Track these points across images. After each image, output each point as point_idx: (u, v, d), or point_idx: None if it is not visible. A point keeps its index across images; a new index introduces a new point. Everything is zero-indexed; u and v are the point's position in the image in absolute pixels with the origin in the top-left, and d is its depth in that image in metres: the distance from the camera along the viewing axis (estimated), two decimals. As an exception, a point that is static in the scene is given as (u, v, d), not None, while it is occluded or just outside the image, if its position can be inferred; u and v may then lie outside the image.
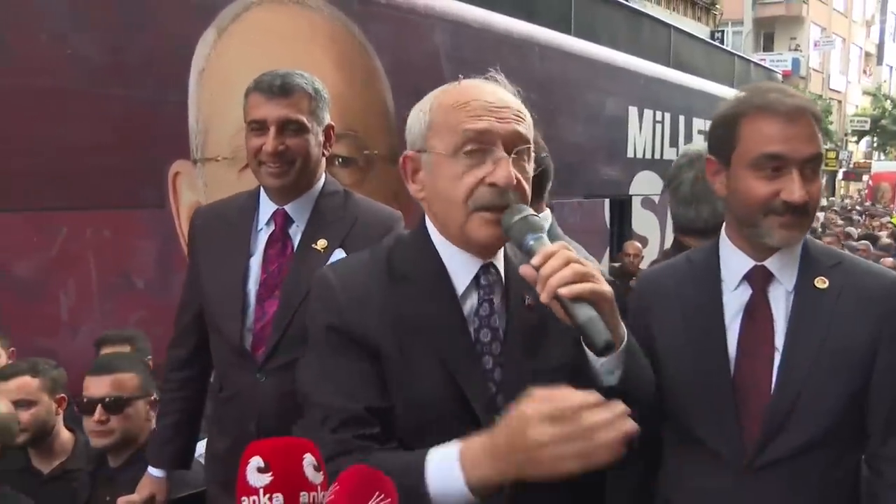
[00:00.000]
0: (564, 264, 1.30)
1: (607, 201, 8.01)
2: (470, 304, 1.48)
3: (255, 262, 2.27)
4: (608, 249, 7.81)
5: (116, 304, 3.81)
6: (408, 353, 1.43)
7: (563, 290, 1.29)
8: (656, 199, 9.08)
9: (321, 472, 1.26)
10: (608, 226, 8.08)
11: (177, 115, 3.99)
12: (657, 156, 9.19)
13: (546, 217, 2.32)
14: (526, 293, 1.46)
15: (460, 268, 1.49)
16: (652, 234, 8.97)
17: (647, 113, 8.94)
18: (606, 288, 1.33)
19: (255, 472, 1.25)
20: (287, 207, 2.29)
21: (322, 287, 1.48)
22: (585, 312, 1.30)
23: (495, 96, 1.46)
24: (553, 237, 1.57)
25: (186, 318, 2.52)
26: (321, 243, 2.26)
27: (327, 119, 2.30)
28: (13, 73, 3.46)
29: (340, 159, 4.53)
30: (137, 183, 3.84)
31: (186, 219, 3.90)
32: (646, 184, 8.89)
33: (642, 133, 8.85)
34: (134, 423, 2.66)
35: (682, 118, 9.88)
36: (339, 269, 1.54)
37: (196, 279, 2.36)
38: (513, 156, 1.41)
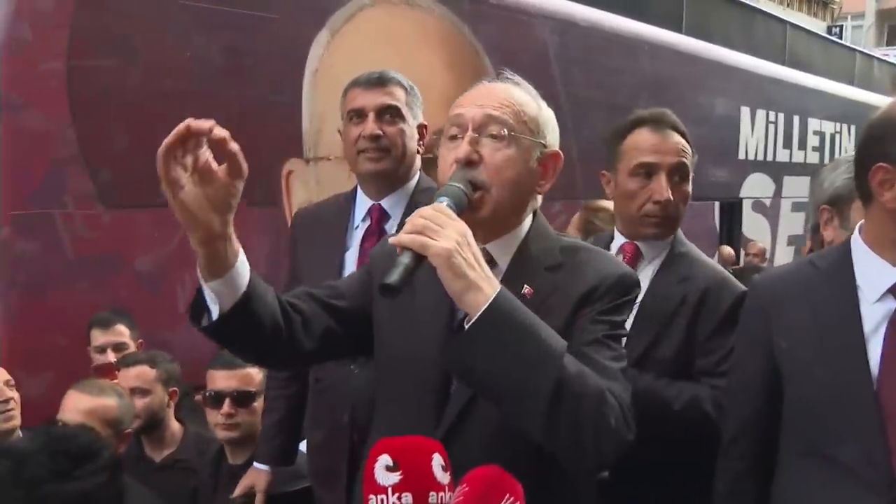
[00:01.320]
0: (416, 217, 1.40)
1: (717, 204, 7.81)
2: None
3: (351, 257, 2.32)
4: (716, 254, 7.61)
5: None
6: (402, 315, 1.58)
7: (392, 239, 1.42)
8: (768, 202, 8.81)
9: (448, 473, 1.27)
10: (717, 229, 7.88)
11: (290, 115, 4.09)
12: (769, 157, 8.91)
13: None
14: (526, 283, 1.54)
15: None
16: (763, 238, 8.69)
17: (760, 113, 8.67)
18: (435, 244, 1.36)
19: (383, 471, 1.25)
20: (383, 202, 2.33)
21: None
22: (401, 259, 1.38)
23: (486, 90, 1.59)
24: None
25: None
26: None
27: (420, 117, 2.35)
28: (140, 76, 3.61)
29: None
30: (252, 181, 3.91)
31: (299, 216, 4.00)
32: (757, 186, 8.63)
33: (754, 134, 8.59)
34: (257, 417, 2.74)
35: (796, 118, 9.54)
36: None
37: (296, 277, 2.42)
38: (484, 138, 1.52)
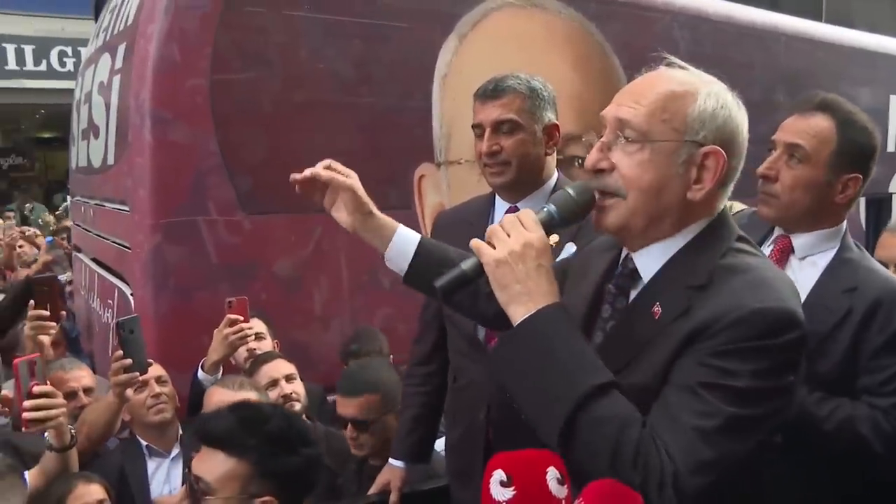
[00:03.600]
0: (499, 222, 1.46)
1: (863, 199, 7.41)
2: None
3: None
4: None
5: (364, 301, 4.02)
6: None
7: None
8: (920, 196, 8.29)
9: (565, 486, 1.24)
10: (863, 226, 7.48)
11: (421, 121, 4.16)
12: (922, 149, 8.38)
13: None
14: (660, 300, 1.40)
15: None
16: (916, 235, 8.17)
17: (911, 102, 8.16)
18: (488, 252, 1.41)
19: (497, 486, 1.23)
20: (519, 205, 2.34)
21: None
22: (464, 263, 1.48)
23: (636, 84, 1.50)
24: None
25: (428, 315, 2.64)
26: (553, 238, 2.30)
27: (550, 118, 2.32)
28: (277, 88, 3.75)
29: (580, 160, 4.52)
30: (385, 186, 4.03)
31: (431, 219, 4.06)
32: (909, 181, 8.13)
33: (905, 124, 8.09)
34: (382, 434, 2.82)
35: (953, 106, 8.92)
36: None
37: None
38: (618, 141, 1.43)
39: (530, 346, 1.35)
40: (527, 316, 1.36)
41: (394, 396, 2.84)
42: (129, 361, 2.63)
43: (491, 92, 2.30)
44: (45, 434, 2.45)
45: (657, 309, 1.39)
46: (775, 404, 1.33)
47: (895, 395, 1.93)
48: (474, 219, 2.46)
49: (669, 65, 1.51)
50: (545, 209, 1.49)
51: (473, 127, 2.36)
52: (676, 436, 1.27)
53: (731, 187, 1.48)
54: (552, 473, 1.24)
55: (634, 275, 1.49)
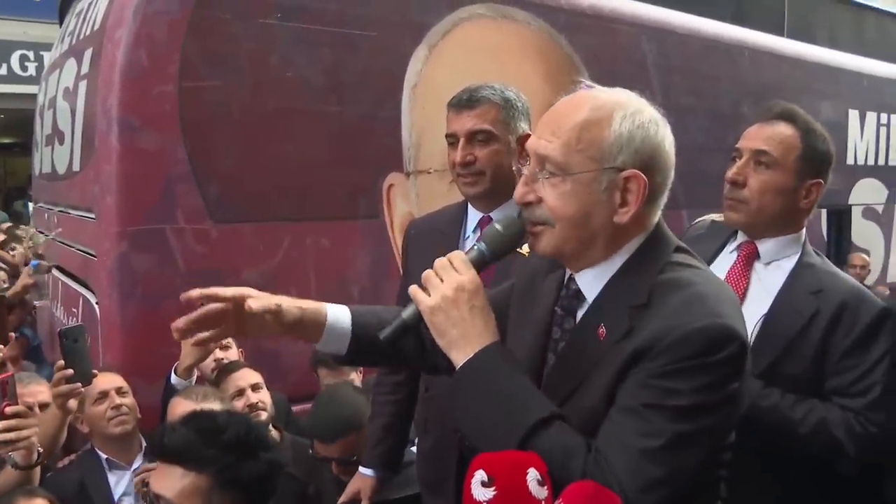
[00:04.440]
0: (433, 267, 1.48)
1: (824, 211, 7.54)
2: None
3: None
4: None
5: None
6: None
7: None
8: (880, 208, 8.44)
9: (545, 487, 1.25)
10: (825, 237, 7.61)
11: (391, 130, 4.16)
12: (881, 162, 8.53)
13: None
14: (604, 321, 1.42)
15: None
16: (874, 246, 8.32)
17: (871, 116, 8.31)
18: (424, 300, 1.45)
19: (479, 487, 1.24)
20: (492, 214, 2.35)
21: None
22: (404, 311, 1.51)
23: (551, 114, 1.49)
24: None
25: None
26: (525, 248, 2.31)
27: (524, 128, 2.34)
28: (246, 96, 3.74)
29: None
30: (354, 195, 4.03)
31: (400, 229, 4.06)
32: (868, 192, 8.27)
33: (864, 138, 8.24)
34: (360, 448, 2.81)
35: (912, 120, 9.11)
36: None
37: (409, 286, 2.47)
38: (541, 174, 1.44)
39: (472, 389, 1.40)
40: (464, 361, 1.40)
41: (362, 417, 2.84)
42: (70, 372, 2.52)
43: (466, 102, 2.30)
44: (11, 452, 2.40)
45: (602, 330, 1.41)
46: (721, 414, 1.35)
47: (864, 395, 1.98)
48: (447, 228, 2.46)
49: (580, 89, 1.51)
50: (475, 248, 1.52)
51: (447, 136, 2.36)
52: (623, 458, 1.29)
53: (663, 200, 1.49)
54: (532, 474, 1.25)
55: (579, 295, 1.50)
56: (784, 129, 2.14)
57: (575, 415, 1.39)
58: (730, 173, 2.14)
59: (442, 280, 1.43)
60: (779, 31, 7.45)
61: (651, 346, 1.33)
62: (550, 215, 1.42)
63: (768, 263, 2.17)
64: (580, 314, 1.50)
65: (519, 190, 1.47)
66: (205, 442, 1.79)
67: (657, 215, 1.49)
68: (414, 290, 1.46)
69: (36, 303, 5.54)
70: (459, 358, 1.41)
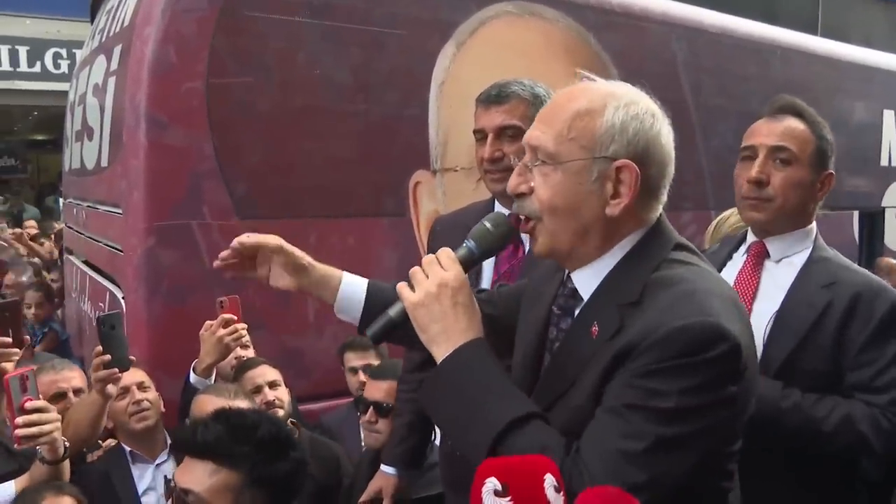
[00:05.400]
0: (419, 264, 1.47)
1: (856, 214, 7.43)
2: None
3: (488, 265, 2.33)
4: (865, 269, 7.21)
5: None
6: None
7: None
8: (914, 211, 8.31)
9: (562, 494, 1.18)
10: (857, 240, 7.50)
11: (418, 128, 4.15)
12: (916, 163, 8.40)
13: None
14: (597, 319, 1.39)
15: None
16: (909, 249, 8.21)
17: (905, 116, 8.20)
18: (408, 296, 1.45)
19: (491, 496, 1.18)
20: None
21: None
22: (391, 308, 1.51)
23: (548, 106, 1.51)
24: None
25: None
26: None
27: None
28: (274, 94, 3.74)
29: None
30: (381, 192, 4.02)
31: (425, 227, 4.04)
32: (902, 194, 8.15)
33: (899, 139, 8.12)
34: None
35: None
36: None
37: None
38: (534, 165, 1.44)
39: (449, 385, 1.38)
40: (445, 356, 1.39)
41: None
42: (108, 357, 2.58)
43: (494, 97, 2.29)
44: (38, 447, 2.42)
45: (595, 328, 1.39)
46: (713, 418, 1.30)
47: (889, 391, 1.95)
48: (472, 224, 2.44)
49: (579, 81, 1.51)
50: (465, 245, 1.52)
51: (475, 132, 2.35)
52: (601, 459, 1.26)
53: (662, 196, 1.46)
54: (549, 481, 1.18)
55: (575, 294, 1.49)
56: (796, 124, 2.13)
57: (566, 414, 1.38)
58: (753, 173, 2.12)
59: (427, 276, 1.43)
60: (812, 29, 7.36)
61: (636, 344, 1.30)
62: (538, 207, 1.41)
63: (779, 261, 2.15)
64: (576, 313, 1.49)
65: (512, 181, 1.46)
66: (238, 439, 1.79)
67: (656, 211, 1.46)
68: (401, 286, 1.46)
69: (23, 279, 5.63)
70: (440, 353, 1.40)
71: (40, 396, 2.41)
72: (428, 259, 1.46)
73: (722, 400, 1.30)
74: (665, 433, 1.26)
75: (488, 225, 1.52)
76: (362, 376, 3.51)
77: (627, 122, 1.39)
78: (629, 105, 1.41)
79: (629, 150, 1.38)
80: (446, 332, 1.40)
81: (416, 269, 1.46)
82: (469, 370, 1.37)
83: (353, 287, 1.73)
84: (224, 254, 1.71)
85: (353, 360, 3.63)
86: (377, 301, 1.69)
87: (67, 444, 2.46)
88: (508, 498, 1.17)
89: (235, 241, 1.71)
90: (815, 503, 2.01)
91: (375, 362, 3.57)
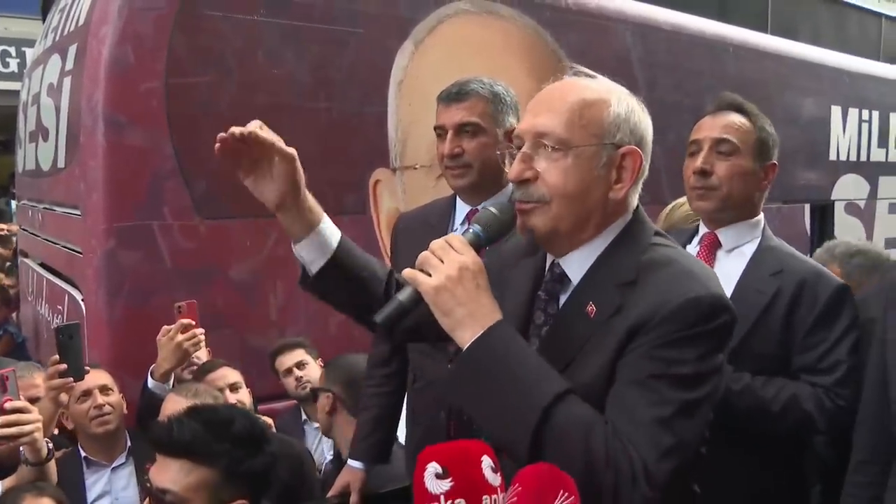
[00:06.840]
0: (428, 249, 1.45)
1: (807, 206, 7.60)
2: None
3: None
4: (809, 257, 7.36)
5: (320, 306, 3.99)
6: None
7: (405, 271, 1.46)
8: (862, 204, 8.51)
9: (498, 474, 1.26)
10: (808, 232, 7.67)
11: (377, 126, 4.17)
12: (863, 158, 8.61)
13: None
14: (592, 300, 1.46)
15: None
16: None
17: (852, 112, 8.38)
18: (425, 281, 1.41)
19: (433, 479, 1.24)
20: (480, 207, 2.37)
21: None
22: (400, 294, 1.46)
23: (546, 94, 1.54)
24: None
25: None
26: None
27: (511, 122, 2.36)
28: (234, 92, 3.73)
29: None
30: (341, 190, 4.03)
31: (386, 224, 4.07)
32: (850, 188, 8.34)
33: (846, 134, 8.30)
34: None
35: (893, 116, 9.19)
36: None
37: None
38: (539, 150, 1.48)
39: (484, 367, 1.38)
40: (475, 338, 1.39)
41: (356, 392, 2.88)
42: (63, 367, 2.60)
43: (454, 95, 2.33)
44: (21, 448, 2.40)
45: (591, 308, 1.45)
46: (713, 385, 1.41)
47: (832, 372, 2.07)
48: (436, 221, 2.48)
49: (576, 74, 1.58)
50: (471, 230, 1.53)
51: (436, 129, 2.39)
52: (638, 429, 1.32)
53: (640, 186, 1.56)
54: (486, 462, 1.26)
55: (563, 279, 1.54)
56: (737, 118, 2.25)
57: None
58: (696, 164, 2.23)
59: (442, 261, 1.43)
60: (762, 27, 7.50)
61: (648, 319, 1.37)
62: (547, 191, 1.46)
63: (730, 251, 2.26)
64: (563, 297, 1.54)
65: (515, 168, 1.49)
66: (214, 435, 1.79)
67: (636, 199, 1.56)
68: (410, 272, 1.44)
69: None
70: (467, 337, 1.39)
71: (21, 397, 2.40)
72: (439, 244, 1.46)
73: (718, 367, 1.42)
74: (689, 398, 1.35)
75: (495, 210, 1.54)
76: (297, 372, 3.58)
77: (629, 114, 1.50)
78: (628, 98, 1.53)
79: (632, 139, 1.50)
80: (472, 315, 1.39)
81: (426, 254, 1.45)
82: (503, 350, 1.38)
83: (330, 231, 1.66)
84: (235, 131, 1.60)
85: (286, 361, 3.65)
86: (347, 256, 1.66)
87: (51, 445, 2.46)
88: (449, 479, 1.23)
89: (253, 126, 1.62)
90: (770, 482, 2.09)
91: (307, 359, 3.62)
